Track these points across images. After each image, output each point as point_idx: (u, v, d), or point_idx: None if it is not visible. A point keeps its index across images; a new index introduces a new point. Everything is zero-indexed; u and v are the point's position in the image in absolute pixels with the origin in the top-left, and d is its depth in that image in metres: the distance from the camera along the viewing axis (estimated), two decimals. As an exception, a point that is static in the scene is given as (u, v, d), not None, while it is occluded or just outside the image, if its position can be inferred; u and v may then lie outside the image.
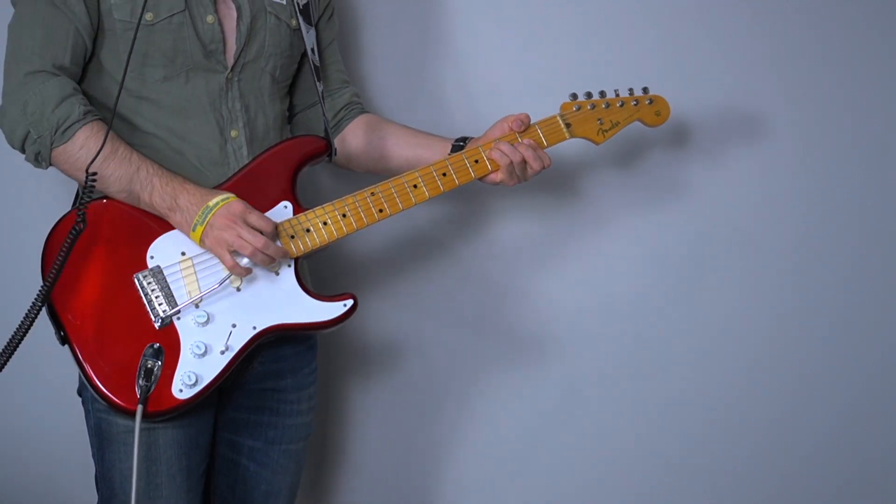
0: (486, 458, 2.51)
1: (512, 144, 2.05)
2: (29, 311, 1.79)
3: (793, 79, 2.41)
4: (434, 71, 2.40)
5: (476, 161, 2.07)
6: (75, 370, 1.89)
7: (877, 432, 2.48)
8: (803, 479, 2.49)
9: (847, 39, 2.40)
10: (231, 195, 1.90)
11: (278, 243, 1.93)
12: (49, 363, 2.37)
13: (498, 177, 2.07)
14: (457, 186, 2.06)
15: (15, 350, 1.79)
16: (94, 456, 2.01)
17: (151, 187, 1.88)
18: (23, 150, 1.89)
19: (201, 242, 1.89)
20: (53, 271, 1.79)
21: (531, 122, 2.10)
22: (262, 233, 1.88)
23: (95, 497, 2.12)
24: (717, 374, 2.48)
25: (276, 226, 1.92)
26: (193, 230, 1.88)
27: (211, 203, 1.88)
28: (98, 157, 1.84)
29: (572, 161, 2.35)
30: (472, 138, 2.12)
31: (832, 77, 2.41)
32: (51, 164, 1.90)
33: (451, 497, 2.52)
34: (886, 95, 2.41)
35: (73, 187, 2.03)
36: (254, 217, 1.89)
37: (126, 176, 1.88)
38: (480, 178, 2.08)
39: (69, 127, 1.85)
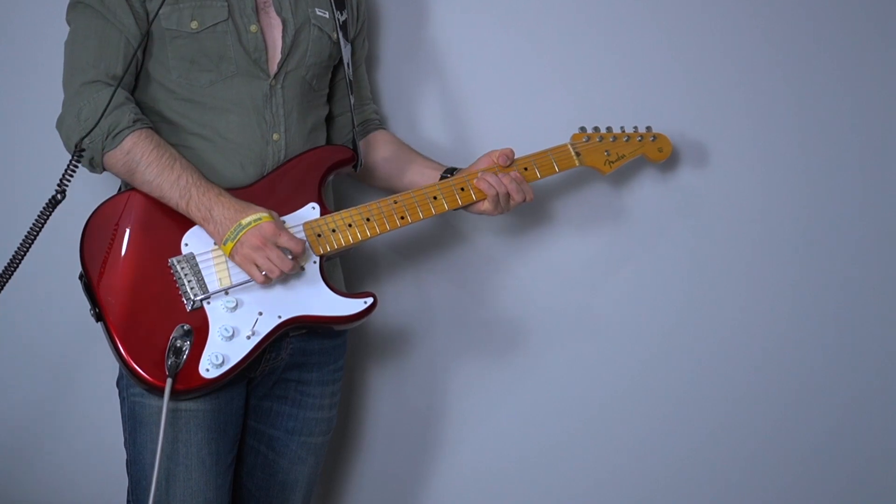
0: (489, 457, 2.55)
1: (497, 175, 2.17)
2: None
3: (793, 79, 2.46)
4: (449, 92, 2.49)
5: (462, 189, 2.19)
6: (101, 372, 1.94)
7: (877, 434, 2.51)
8: (804, 480, 2.51)
9: (847, 39, 2.45)
10: (264, 214, 1.96)
11: (305, 239, 2.03)
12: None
13: (483, 206, 2.18)
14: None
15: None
16: (125, 442, 2.07)
17: (189, 196, 1.96)
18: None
19: (231, 257, 1.97)
20: (30, 239, 1.88)
21: (544, 150, 2.24)
22: (291, 252, 1.97)
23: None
24: (717, 376, 2.51)
25: (304, 245, 2.00)
26: (224, 244, 1.97)
27: (244, 222, 1.95)
28: (142, 163, 1.95)
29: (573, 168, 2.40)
30: (459, 169, 2.23)
31: (832, 77, 2.45)
32: (105, 170, 1.99)
33: (451, 495, 2.57)
34: (886, 95, 2.45)
35: (114, 182, 2.13)
36: (284, 238, 1.96)
37: (167, 183, 1.96)
38: (465, 207, 2.19)
39: (118, 133, 1.95)
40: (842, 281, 2.49)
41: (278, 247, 1.96)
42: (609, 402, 2.53)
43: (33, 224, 1.90)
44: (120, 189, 2.12)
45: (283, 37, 2.10)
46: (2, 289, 1.92)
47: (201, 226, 1.99)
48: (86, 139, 1.92)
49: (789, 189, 2.47)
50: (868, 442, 2.52)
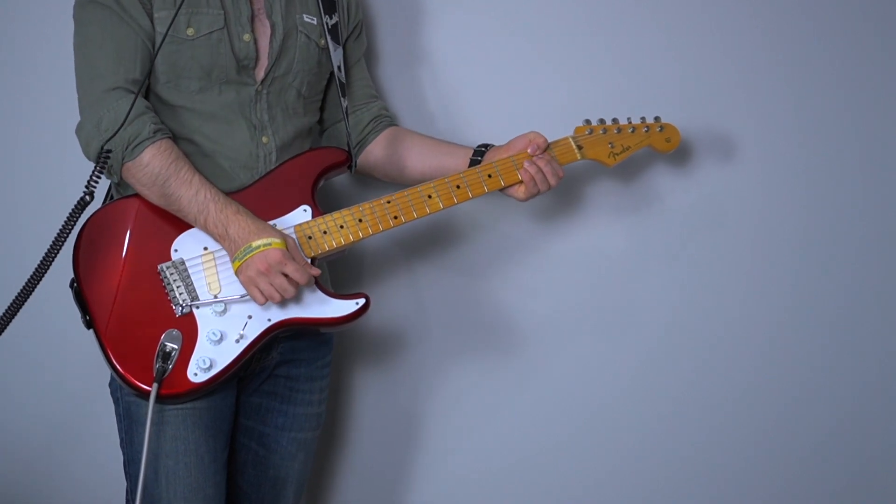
0: (482, 457, 2.54)
1: (531, 160, 2.14)
2: (30, 278, 1.91)
3: (794, 79, 2.45)
4: (449, 87, 2.48)
5: (489, 176, 2.16)
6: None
7: (877, 434, 2.50)
8: (804, 480, 2.51)
9: (848, 39, 2.43)
10: (276, 240, 1.96)
11: (300, 248, 2.03)
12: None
13: (517, 190, 2.16)
14: (470, 199, 2.16)
15: (13, 317, 1.92)
16: (121, 443, 2.09)
17: (207, 212, 1.97)
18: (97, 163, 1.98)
19: (237, 275, 1.98)
20: (60, 242, 1.89)
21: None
22: (297, 282, 1.96)
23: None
24: (717, 376, 2.50)
25: (311, 278, 1.99)
26: (233, 262, 1.98)
27: (254, 244, 1.95)
28: (160, 176, 1.96)
29: (578, 162, 2.38)
30: (493, 146, 2.21)
31: (833, 78, 2.44)
32: (121, 179, 2.00)
33: (445, 494, 2.56)
34: (886, 95, 2.43)
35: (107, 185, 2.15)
36: (291, 267, 1.95)
37: (185, 198, 1.97)
38: (501, 190, 2.17)
39: (138, 144, 1.95)
40: (843, 281, 2.48)
41: (284, 274, 1.96)
42: (608, 403, 2.51)
43: (63, 226, 1.91)
44: (112, 196, 2.14)
45: (272, 41, 2.09)
46: (31, 292, 1.92)
47: (218, 242, 2.00)
48: (106, 147, 1.93)
49: (789, 189, 2.46)
50: (868, 442, 2.51)
